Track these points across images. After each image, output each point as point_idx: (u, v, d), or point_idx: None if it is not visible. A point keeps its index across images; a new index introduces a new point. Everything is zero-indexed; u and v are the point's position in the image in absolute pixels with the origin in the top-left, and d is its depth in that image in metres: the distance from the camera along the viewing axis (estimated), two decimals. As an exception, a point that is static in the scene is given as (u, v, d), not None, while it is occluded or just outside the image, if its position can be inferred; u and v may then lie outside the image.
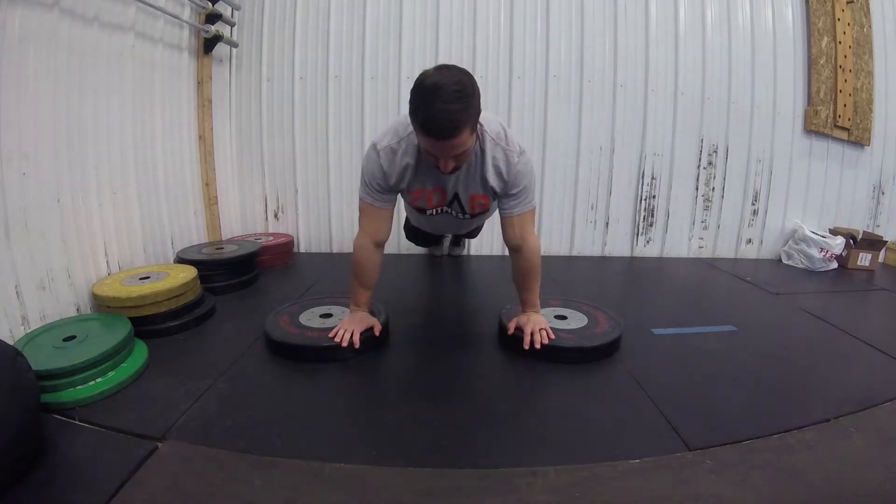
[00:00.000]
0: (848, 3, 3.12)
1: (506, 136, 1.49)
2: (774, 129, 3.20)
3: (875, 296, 2.68)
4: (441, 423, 1.28)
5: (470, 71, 1.28)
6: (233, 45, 2.97)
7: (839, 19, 3.09)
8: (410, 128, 1.38)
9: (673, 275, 2.96)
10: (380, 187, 1.54)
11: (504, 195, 1.55)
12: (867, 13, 3.17)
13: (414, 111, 1.25)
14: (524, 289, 1.70)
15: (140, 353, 1.56)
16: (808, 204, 3.34)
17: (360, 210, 1.62)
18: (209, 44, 2.77)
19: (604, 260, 3.23)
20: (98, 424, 1.23)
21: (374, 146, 1.51)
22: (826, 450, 1.21)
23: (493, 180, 1.51)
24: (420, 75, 1.25)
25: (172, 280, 1.90)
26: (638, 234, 3.28)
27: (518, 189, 1.53)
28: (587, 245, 3.28)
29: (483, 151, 1.47)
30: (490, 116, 1.49)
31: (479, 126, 1.39)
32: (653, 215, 3.26)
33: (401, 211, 3.27)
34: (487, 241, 3.16)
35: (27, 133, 1.62)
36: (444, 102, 1.16)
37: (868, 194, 3.41)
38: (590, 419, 1.33)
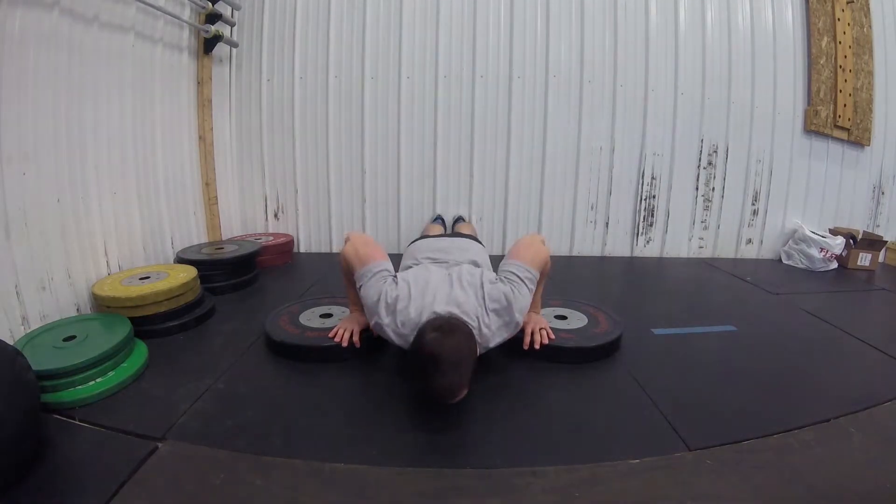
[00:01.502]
0: (848, 3, 3.12)
1: (506, 307, 1.45)
2: (774, 129, 3.20)
3: (875, 296, 2.68)
4: (441, 423, 1.28)
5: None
6: (233, 45, 2.97)
7: (839, 19, 3.09)
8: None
9: (673, 275, 2.96)
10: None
11: None
12: (867, 13, 3.17)
13: (414, 375, 1.35)
14: None
15: (140, 353, 1.56)
16: (808, 204, 3.34)
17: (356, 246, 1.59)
18: (209, 44, 2.77)
19: (604, 260, 3.23)
20: (98, 424, 1.23)
21: (392, 313, 1.45)
22: (826, 450, 1.21)
23: (501, 340, 1.50)
24: (418, 337, 1.30)
25: (172, 280, 1.90)
26: (638, 234, 3.28)
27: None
28: (587, 245, 3.28)
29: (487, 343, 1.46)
30: (472, 303, 1.43)
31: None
32: (653, 215, 3.26)
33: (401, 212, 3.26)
34: (488, 241, 3.16)
35: (27, 133, 1.62)
36: (443, 375, 1.21)
37: (868, 194, 3.41)
38: (590, 419, 1.33)
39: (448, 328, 1.29)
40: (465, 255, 1.76)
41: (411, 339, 1.36)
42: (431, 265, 1.64)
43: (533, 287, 1.53)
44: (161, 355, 1.61)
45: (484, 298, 1.44)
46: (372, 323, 1.50)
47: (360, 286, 1.52)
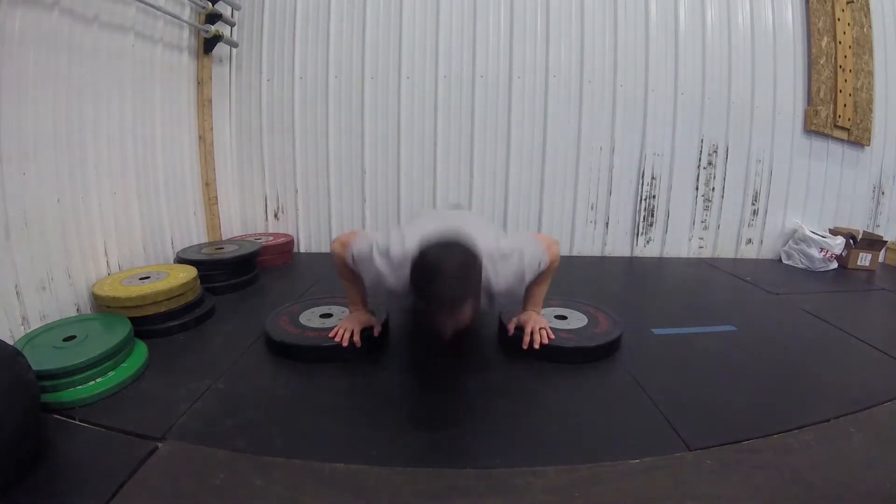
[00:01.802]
0: (848, 3, 3.12)
1: (513, 257, 1.41)
2: (774, 129, 3.20)
3: (875, 296, 2.68)
4: (441, 423, 1.28)
5: (467, 212, 1.24)
6: (233, 45, 2.97)
7: (839, 19, 3.09)
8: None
9: (673, 275, 2.96)
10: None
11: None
12: (867, 13, 3.17)
13: (416, 289, 1.21)
14: (533, 282, 1.66)
15: (140, 353, 1.56)
16: (808, 204, 3.34)
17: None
18: (209, 44, 2.77)
19: (604, 260, 3.23)
20: (98, 424, 1.23)
21: (385, 254, 1.40)
22: (826, 450, 1.21)
23: (508, 295, 1.46)
24: (421, 251, 1.20)
25: (172, 280, 1.90)
26: (638, 234, 3.28)
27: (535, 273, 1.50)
28: (587, 245, 3.28)
29: (490, 286, 1.39)
30: (488, 244, 1.37)
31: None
32: (653, 215, 3.26)
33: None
34: (487, 241, 3.16)
35: (27, 133, 1.62)
36: (445, 283, 1.14)
37: (868, 194, 3.41)
38: (590, 419, 1.33)
39: (450, 239, 1.23)
40: (464, 219, 1.69)
41: (408, 270, 1.25)
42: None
43: (535, 265, 1.48)
44: (161, 355, 1.61)
45: (490, 239, 1.39)
46: (369, 279, 1.45)
47: (353, 258, 1.48)
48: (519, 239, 1.52)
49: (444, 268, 1.15)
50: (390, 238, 1.40)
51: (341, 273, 1.64)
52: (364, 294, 1.73)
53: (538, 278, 1.63)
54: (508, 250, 1.41)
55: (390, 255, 1.36)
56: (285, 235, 3.08)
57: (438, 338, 1.22)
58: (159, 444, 1.16)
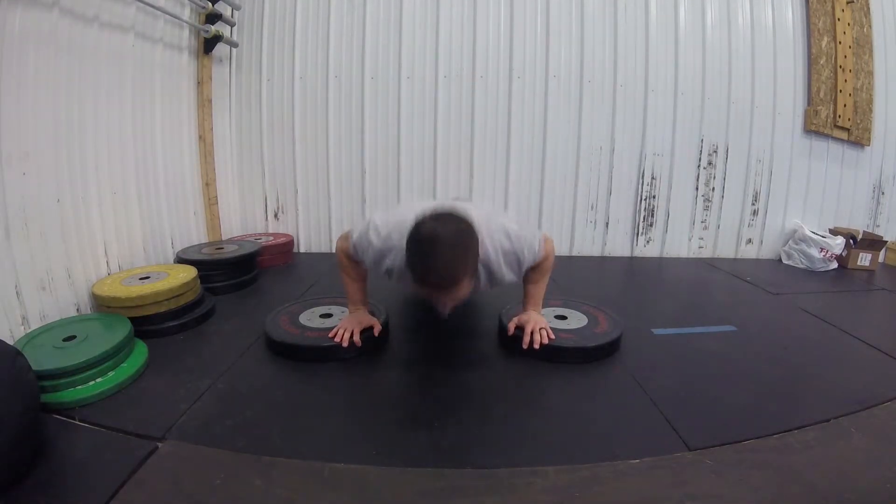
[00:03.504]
0: (848, 3, 3.12)
1: (509, 236, 1.40)
2: (774, 128, 3.20)
3: (875, 296, 2.68)
4: (441, 423, 1.28)
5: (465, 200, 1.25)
6: (233, 45, 2.97)
7: (839, 19, 3.09)
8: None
9: (673, 275, 2.96)
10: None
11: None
12: (867, 13, 3.17)
13: (411, 263, 1.18)
14: (531, 281, 1.68)
15: (140, 353, 1.56)
16: (808, 204, 3.34)
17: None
18: (209, 44, 2.77)
19: (604, 260, 3.23)
20: (98, 424, 1.23)
21: (375, 229, 1.40)
22: (826, 450, 1.21)
23: (506, 274, 1.46)
24: (416, 224, 1.18)
25: (172, 280, 1.90)
26: (638, 234, 3.28)
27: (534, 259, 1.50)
28: (587, 245, 3.28)
29: (489, 262, 1.39)
30: (485, 222, 1.35)
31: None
32: (653, 215, 3.26)
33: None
34: (487, 241, 3.16)
35: (27, 133, 1.62)
36: (442, 255, 1.11)
37: (868, 194, 3.41)
38: (590, 419, 1.33)
39: (446, 213, 1.20)
40: (461, 201, 1.70)
41: (404, 241, 1.23)
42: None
43: (532, 254, 1.47)
44: (161, 355, 1.61)
45: (486, 218, 1.38)
46: (369, 261, 1.44)
47: (354, 246, 1.48)
48: (514, 219, 1.51)
49: (440, 240, 1.12)
50: (387, 216, 1.41)
51: (343, 268, 1.65)
52: (364, 292, 1.73)
53: (535, 276, 1.64)
54: (506, 227, 1.40)
55: (388, 225, 1.36)
56: (285, 235, 3.08)
57: (437, 313, 1.23)
58: (159, 444, 1.16)
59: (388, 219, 1.39)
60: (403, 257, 1.24)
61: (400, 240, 1.27)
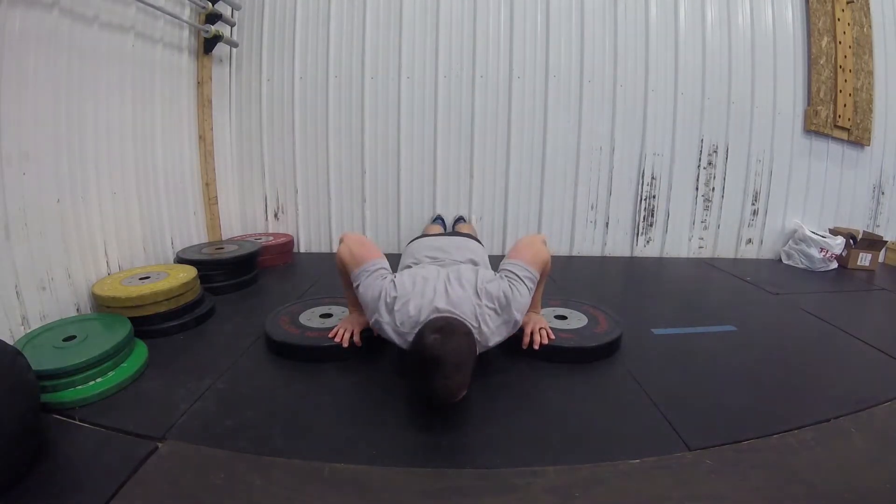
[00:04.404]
0: (848, 3, 3.12)
1: (502, 307, 1.44)
2: (774, 129, 3.20)
3: (875, 296, 2.68)
4: (441, 423, 1.28)
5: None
6: (233, 45, 2.97)
7: (839, 19, 3.09)
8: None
9: (673, 275, 2.96)
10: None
11: None
12: (867, 13, 3.17)
13: (415, 376, 1.32)
14: None
15: (140, 353, 1.56)
16: (808, 204, 3.34)
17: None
18: (209, 44, 2.77)
19: (604, 260, 3.23)
20: (98, 424, 1.23)
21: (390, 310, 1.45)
22: (826, 450, 1.21)
23: (501, 338, 1.50)
24: (418, 339, 1.29)
25: (172, 280, 1.90)
26: (638, 234, 3.28)
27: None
28: (587, 245, 3.28)
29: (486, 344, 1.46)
30: (475, 307, 1.43)
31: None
32: (653, 215, 3.26)
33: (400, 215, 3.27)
34: (488, 241, 3.16)
35: (27, 133, 1.62)
36: (444, 377, 1.20)
37: (868, 194, 3.41)
38: (590, 419, 1.33)
39: (448, 329, 1.29)
40: (464, 253, 1.76)
41: (410, 338, 1.36)
42: (430, 264, 1.64)
43: (532, 287, 1.52)
44: (161, 355, 1.61)
45: (482, 297, 1.44)
46: (371, 321, 1.50)
47: (358, 285, 1.52)
48: (508, 269, 1.53)
49: (442, 362, 1.20)
50: (398, 294, 1.45)
51: (342, 273, 1.66)
52: None
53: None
54: (500, 300, 1.45)
55: (396, 321, 1.43)
56: (285, 235, 3.08)
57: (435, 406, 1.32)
58: (159, 444, 1.16)
59: (406, 319, 1.41)
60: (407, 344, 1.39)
61: (412, 330, 1.39)
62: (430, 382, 1.22)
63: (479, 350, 1.40)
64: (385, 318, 1.44)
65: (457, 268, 1.56)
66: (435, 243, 1.85)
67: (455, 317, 1.37)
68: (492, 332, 1.44)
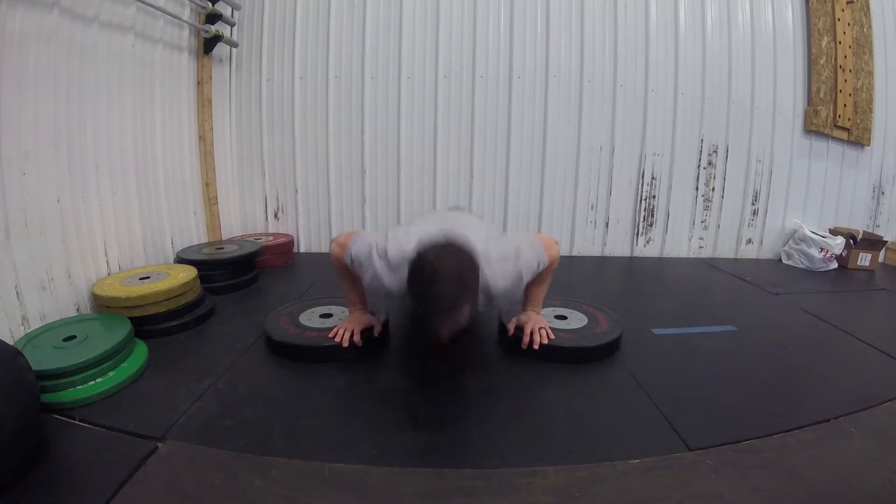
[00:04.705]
0: (848, 3, 3.12)
1: (509, 259, 1.40)
2: (774, 129, 3.20)
3: (875, 296, 2.68)
4: (441, 423, 1.28)
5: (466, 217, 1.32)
6: (233, 45, 2.97)
7: (839, 19, 3.09)
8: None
9: (673, 275, 2.95)
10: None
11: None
12: (867, 13, 3.17)
13: (413, 291, 1.21)
14: (533, 282, 1.65)
15: (140, 353, 1.56)
16: (808, 204, 3.34)
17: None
18: (209, 44, 2.77)
19: (604, 260, 3.23)
20: (98, 424, 1.23)
21: (380, 253, 1.41)
22: (826, 450, 1.21)
23: (507, 294, 1.46)
24: (418, 254, 1.21)
25: (172, 280, 1.90)
26: (638, 234, 3.28)
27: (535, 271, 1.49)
28: (587, 245, 3.29)
29: (488, 288, 1.37)
30: (484, 248, 1.36)
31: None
32: (653, 215, 3.26)
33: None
34: (487, 241, 3.16)
35: (27, 133, 1.62)
36: (442, 287, 1.14)
37: (868, 194, 3.41)
38: (590, 419, 1.33)
39: (447, 242, 1.23)
40: (462, 221, 1.67)
41: (406, 272, 1.25)
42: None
43: (535, 266, 1.47)
44: (161, 355, 1.61)
45: (489, 243, 1.39)
46: (367, 280, 1.44)
47: (352, 259, 1.47)
48: (517, 239, 1.52)
49: (441, 271, 1.14)
50: (388, 240, 1.41)
51: (339, 274, 1.64)
52: (363, 294, 1.73)
53: (537, 279, 1.62)
54: (506, 251, 1.41)
55: (388, 256, 1.37)
56: (285, 235, 3.08)
57: (436, 340, 1.22)
58: (159, 444, 1.16)
59: (398, 249, 1.37)
60: (405, 285, 1.26)
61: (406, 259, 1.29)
62: (428, 294, 1.14)
63: (482, 298, 1.33)
64: (378, 264, 1.37)
65: (458, 215, 1.52)
66: (431, 214, 1.80)
67: (455, 234, 1.29)
68: (495, 273, 1.35)
